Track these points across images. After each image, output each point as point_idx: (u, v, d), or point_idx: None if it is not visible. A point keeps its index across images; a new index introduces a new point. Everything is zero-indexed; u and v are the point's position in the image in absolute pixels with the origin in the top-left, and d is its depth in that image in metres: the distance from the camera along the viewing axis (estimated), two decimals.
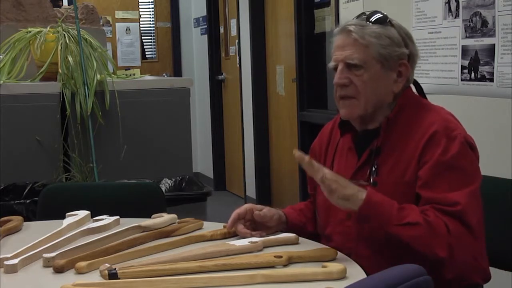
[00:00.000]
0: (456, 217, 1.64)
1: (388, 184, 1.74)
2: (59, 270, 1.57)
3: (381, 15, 1.81)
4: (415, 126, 1.76)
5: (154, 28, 7.42)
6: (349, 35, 1.78)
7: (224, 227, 1.90)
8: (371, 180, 1.77)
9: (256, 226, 1.86)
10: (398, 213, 1.64)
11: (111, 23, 7.20)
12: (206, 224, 1.98)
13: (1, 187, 3.37)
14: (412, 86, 1.89)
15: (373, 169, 1.77)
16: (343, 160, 1.88)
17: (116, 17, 7.24)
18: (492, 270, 1.86)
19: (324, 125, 2.04)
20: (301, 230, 1.92)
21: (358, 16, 1.84)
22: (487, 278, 1.82)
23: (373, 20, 1.80)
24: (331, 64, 1.83)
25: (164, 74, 7.14)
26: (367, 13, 1.83)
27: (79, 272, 1.55)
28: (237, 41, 5.98)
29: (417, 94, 1.90)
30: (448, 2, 2.71)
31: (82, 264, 1.56)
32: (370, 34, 1.77)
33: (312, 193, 2.01)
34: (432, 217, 1.65)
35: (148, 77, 4.47)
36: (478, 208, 1.71)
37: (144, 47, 7.44)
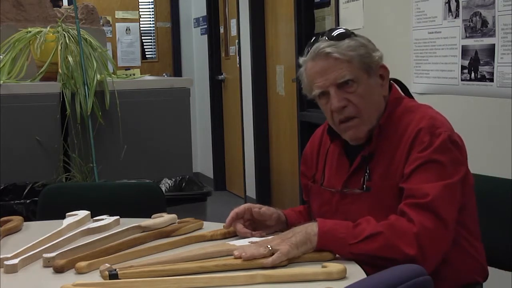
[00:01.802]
0: (425, 209, 1.62)
1: (381, 189, 1.74)
2: (59, 270, 1.57)
3: (342, 30, 1.80)
4: (403, 128, 1.75)
5: (154, 28, 7.43)
6: (327, 57, 1.75)
7: (224, 227, 1.90)
8: (364, 186, 1.76)
9: (256, 226, 1.86)
10: (355, 230, 1.62)
11: (111, 23, 7.20)
12: (206, 224, 1.98)
13: (1, 187, 3.37)
14: (397, 87, 1.89)
15: (366, 174, 1.77)
16: (334, 166, 1.87)
17: (116, 17, 7.24)
18: (492, 270, 1.87)
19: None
20: None
21: (315, 40, 1.80)
22: (486, 276, 1.82)
23: (337, 35, 1.77)
24: (315, 92, 1.79)
25: (164, 74, 7.14)
26: (325, 33, 1.80)
27: (79, 272, 1.55)
28: (237, 41, 5.98)
29: (403, 94, 1.89)
30: (448, 2, 2.71)
31: (82, 264, 1.56)
32: (347, 49, 1.75)
33: (306, 199, 2.00)
34: (393, 218, 1.63)
35: (148, 77, 4.47)
36: (452, 202, 1.68)
37: (144, 47, 7.44)
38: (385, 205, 1.71)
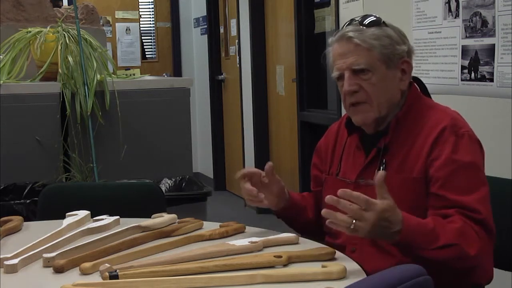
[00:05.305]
0: (480, 224, 1.66)
1: (396, 181, 1.74)
2: (59, 270, 1.57)
3: (375, 18, 1.83)
4: (422, 123, 1.78)
5: (154, 28, 7.43)
6: (349, 41, 1.78)
7: (220, 226, 1.91)
8: None
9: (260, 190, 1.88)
10: (432, 234, 1.62)
11: (111, 23, 7.20)
12: (206, 224, 1.98)
13: (1, 187, 3.37)
14: (416, 86, 1.90)
15: (381, 167, 1.78)
16: (350, 158, 1.90)
17: (116, 17, 7.25)
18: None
19: (329, 125, 2.06)
20: (301, 213, 1.96)
21: (349, 23, 1.84)
22: (490, 279, 1.82)
23: (367, 23, 1.80)
24: (334, 74, 1.83)
25: (164, 74, 7.14)
26: (358, 19, 1.83)
27: (84, 273, 1.55)
28: (237, 41, 5.98)
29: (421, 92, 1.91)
30: (448, 2, 2.71)
31: (87, 265, 1.56)
32: (370, 37, 1.78)
33: (318, 189, 2.01)
34: (460, 224, 1.65)
35: (148, 77, 4.47)
36: (491, 210, 1.73)
37: (144, 47, 7.44)
38: (398, 198, 1.72)
